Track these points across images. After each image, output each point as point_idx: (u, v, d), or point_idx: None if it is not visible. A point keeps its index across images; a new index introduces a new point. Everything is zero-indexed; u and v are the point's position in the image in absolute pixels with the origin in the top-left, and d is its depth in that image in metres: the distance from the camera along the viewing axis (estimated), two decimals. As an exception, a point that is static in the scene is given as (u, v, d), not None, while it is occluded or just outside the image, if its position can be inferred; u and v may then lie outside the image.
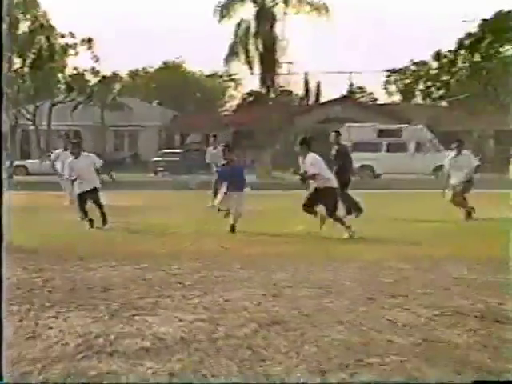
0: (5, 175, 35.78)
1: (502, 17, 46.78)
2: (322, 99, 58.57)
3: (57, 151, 18.97)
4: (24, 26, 44.82)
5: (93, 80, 49.80)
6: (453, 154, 15.18)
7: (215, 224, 13.16)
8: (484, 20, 47.95)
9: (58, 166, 17.26)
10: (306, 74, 57.10)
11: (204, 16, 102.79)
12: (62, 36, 46.32)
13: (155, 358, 5.05)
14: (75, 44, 46.54)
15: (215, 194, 15.27)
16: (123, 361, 5.00)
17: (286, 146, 43.18)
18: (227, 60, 44.61)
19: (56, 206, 17.42)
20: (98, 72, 49.20)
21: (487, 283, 7.62)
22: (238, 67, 45.53)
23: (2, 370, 4.47)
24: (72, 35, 46.33)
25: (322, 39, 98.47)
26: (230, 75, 68.81)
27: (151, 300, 6.87)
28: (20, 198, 18.67)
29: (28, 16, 44.71)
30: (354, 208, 14.65)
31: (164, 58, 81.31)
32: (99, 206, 13.50)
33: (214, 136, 19.11)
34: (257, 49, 43.20)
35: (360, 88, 73.05)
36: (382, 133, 36.39)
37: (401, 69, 64.80)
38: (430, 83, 58.79)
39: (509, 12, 46.08)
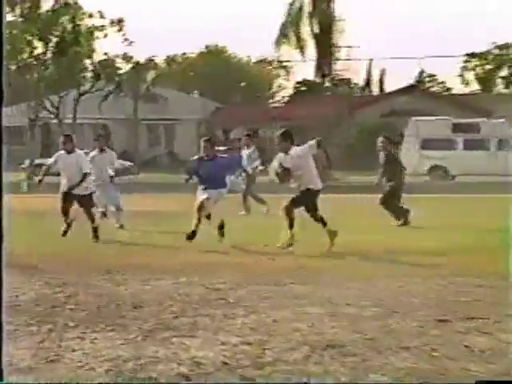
0: (23, 175, 36.36)
1: None
2: (387, 89, 58.33)
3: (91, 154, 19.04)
4: (46, 5, 45.28)
5: (124, 67, 50.11)
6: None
7: (257, 233, 13.18)
8: None
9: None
10: (369, 60, 56.86)
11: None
12: (90, 16, 46.59)
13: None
14: (104, 26, 46.81)
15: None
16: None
17: (345, 143, 43.07)
18: (277, 44, 44.59)
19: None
20: (130, 58, 49.37)
21: None
22: (289, 53, 45.46)
23: (2, 370, 4.63)
24: (101, 15, 46.54)
25: (386, 20, 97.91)
26: (280, 61, 68.80)
27: (188, 320, 6.90)
28: (42, 202, 18.91)
29: (51, -7, 45.13)
30: (402, 215, 15.10)
31: (205, 42, 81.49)
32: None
33: (248, 135, 19.00)
34: (312, 31, 43.10)
35: (431, 76, 72.39)
36: (456, 128, 35.93)
37: (481, 53, 63.99)
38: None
39: None
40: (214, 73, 67.16)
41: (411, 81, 62.18)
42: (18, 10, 43.79)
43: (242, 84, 72.60)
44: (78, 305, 7.58)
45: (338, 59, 45.08)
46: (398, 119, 39.67)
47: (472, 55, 65.48)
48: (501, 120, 36.27)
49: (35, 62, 44.17)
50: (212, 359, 5.62)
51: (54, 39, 45.21)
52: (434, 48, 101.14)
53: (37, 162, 39.37)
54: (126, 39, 46.97)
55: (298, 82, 72.38)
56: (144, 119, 52.17)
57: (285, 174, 11.91)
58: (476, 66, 68.07)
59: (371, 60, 56.76)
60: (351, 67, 46.69)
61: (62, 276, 9.19)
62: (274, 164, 12.20)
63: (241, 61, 75.01)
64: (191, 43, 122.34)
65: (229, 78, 68.54)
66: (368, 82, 59.71)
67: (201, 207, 12.41)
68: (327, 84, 45.49)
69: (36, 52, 45.14)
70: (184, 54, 75.18)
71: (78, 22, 45.66)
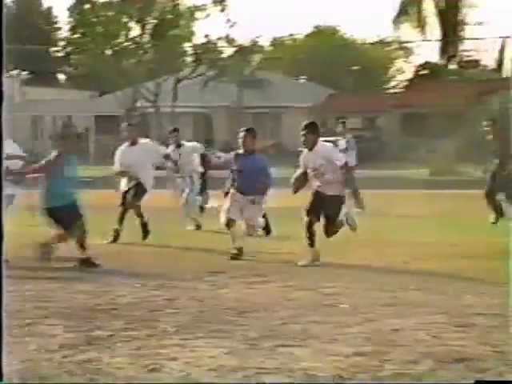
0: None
1: None
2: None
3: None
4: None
5: (227, 51, 50.35)
6: None
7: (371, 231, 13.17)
8: None
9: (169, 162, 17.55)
10: (504, 38, 55.42)
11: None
12: (190, -6, 47.11)
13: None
14: (205, 5, 47.01)
15: None
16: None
17: (474, 133, 42.31)
18: (396, 22, 44.20)
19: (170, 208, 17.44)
20: (233, 40, 49.56)
21: None
22: (410, 32, 45.03)
23: (1, 370, 4.84)
24: (202, -8, 46.98)
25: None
26: (400, 42, 68.08)
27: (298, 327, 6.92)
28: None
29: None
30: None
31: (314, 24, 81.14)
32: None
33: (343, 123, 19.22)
34: (436, 6, 42.55)
35: None
36: None
37: None
38: None
39: None
40: (325, 56, 66.86)
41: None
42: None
43: (355, 68, 72.02)
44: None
45: (465, 38, 44.42)
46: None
47: None
48: None
49: (132, 46, 44.79)
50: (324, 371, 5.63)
51: (152, 21, 45.74)
52: None
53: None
54: (228, 20, 47.09)
55: (419, 65, 71.54)
56: (248, 107, 52.32)
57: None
58: None
59: (506, 38, 55.37)
60: (481, 47, 45.87)
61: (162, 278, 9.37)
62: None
63: (355, 42, 74.46)
64: (299, 26, 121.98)
65: (341, 61, 68.12)
66: (500, 64, 58.40)
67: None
68: (452, 66, 44.78)
69: (132, 35, 45.81)
70: (291, 35, 75.02)
71: (178, 2, 46.08)
